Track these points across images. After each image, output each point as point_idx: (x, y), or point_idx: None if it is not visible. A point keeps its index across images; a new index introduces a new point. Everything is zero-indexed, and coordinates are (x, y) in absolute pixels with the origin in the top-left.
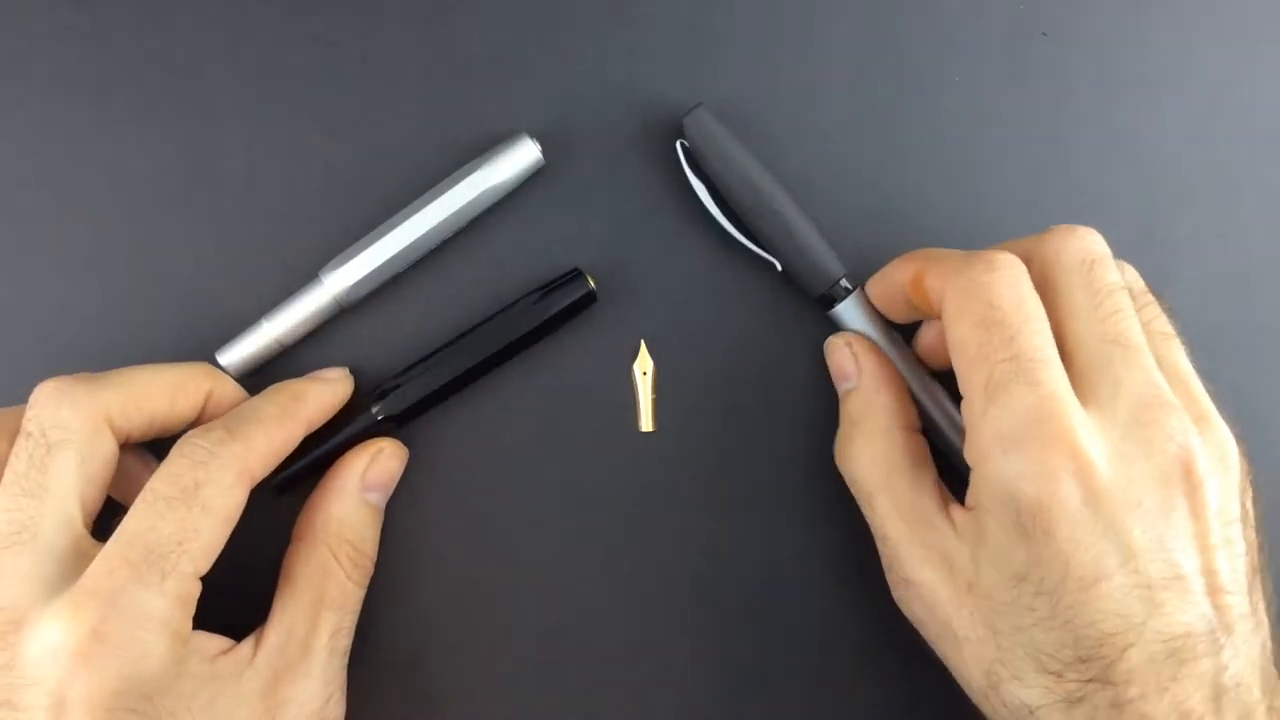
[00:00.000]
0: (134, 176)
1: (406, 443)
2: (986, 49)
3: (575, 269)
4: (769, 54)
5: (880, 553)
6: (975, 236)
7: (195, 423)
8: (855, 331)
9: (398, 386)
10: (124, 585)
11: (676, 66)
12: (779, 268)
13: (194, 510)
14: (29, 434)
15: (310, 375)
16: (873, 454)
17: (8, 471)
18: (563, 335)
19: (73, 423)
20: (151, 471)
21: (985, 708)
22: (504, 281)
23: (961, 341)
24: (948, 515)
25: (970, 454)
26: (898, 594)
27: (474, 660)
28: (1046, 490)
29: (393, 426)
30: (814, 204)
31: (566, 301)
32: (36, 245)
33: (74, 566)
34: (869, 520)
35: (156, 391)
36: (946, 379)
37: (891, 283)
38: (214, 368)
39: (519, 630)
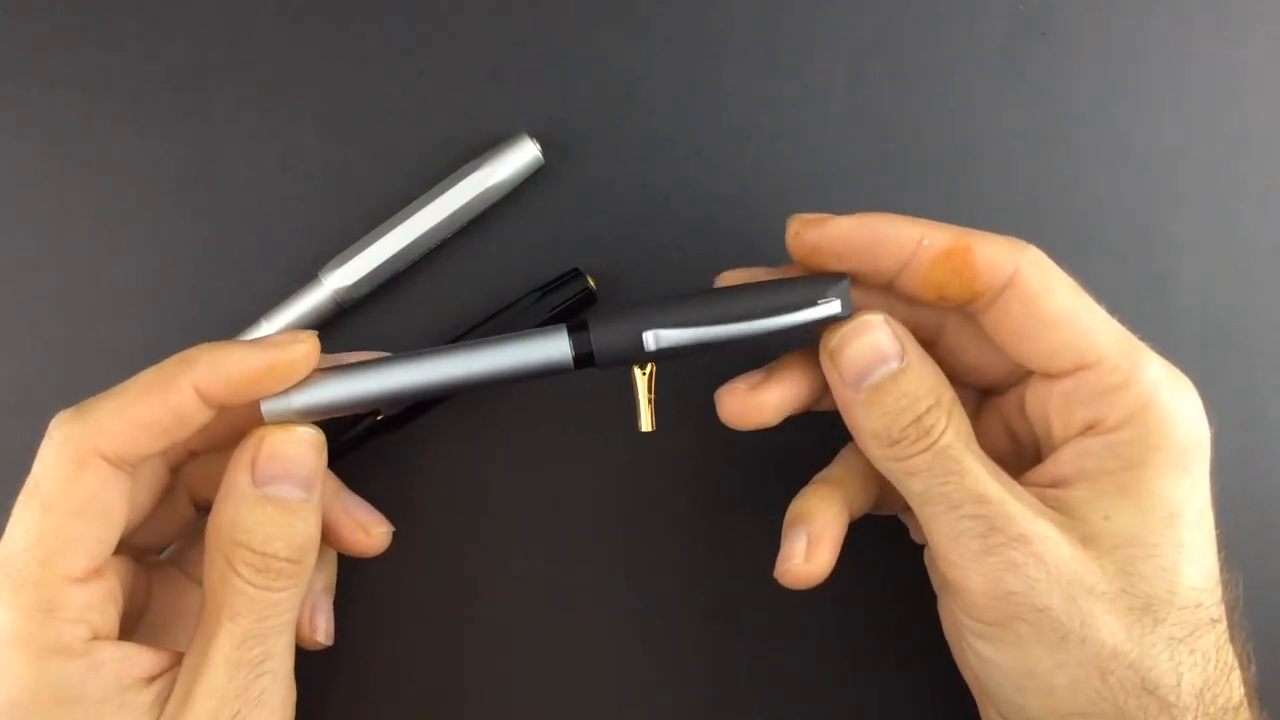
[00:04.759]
0: (134, 176)
1: (405, 443)
2: (986, 49)
3: (575, 269)
4: (769, 54)
5: (968, 523)
6: None
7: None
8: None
9: None
10: None
11: (675, 66)
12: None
13: (35, 510)
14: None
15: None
16: (960, 429)
17: None
18: None
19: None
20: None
21: None
22: (504, 281)
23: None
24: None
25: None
26: (1006, 556)
27: (472, 661)
28: None
29: (393, 426)
30: (814, 204)
31: (566, 301)
32: (37, 245)
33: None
34: (955, 489)
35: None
36: None
37: (892, 243)
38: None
39: (518, 630)
